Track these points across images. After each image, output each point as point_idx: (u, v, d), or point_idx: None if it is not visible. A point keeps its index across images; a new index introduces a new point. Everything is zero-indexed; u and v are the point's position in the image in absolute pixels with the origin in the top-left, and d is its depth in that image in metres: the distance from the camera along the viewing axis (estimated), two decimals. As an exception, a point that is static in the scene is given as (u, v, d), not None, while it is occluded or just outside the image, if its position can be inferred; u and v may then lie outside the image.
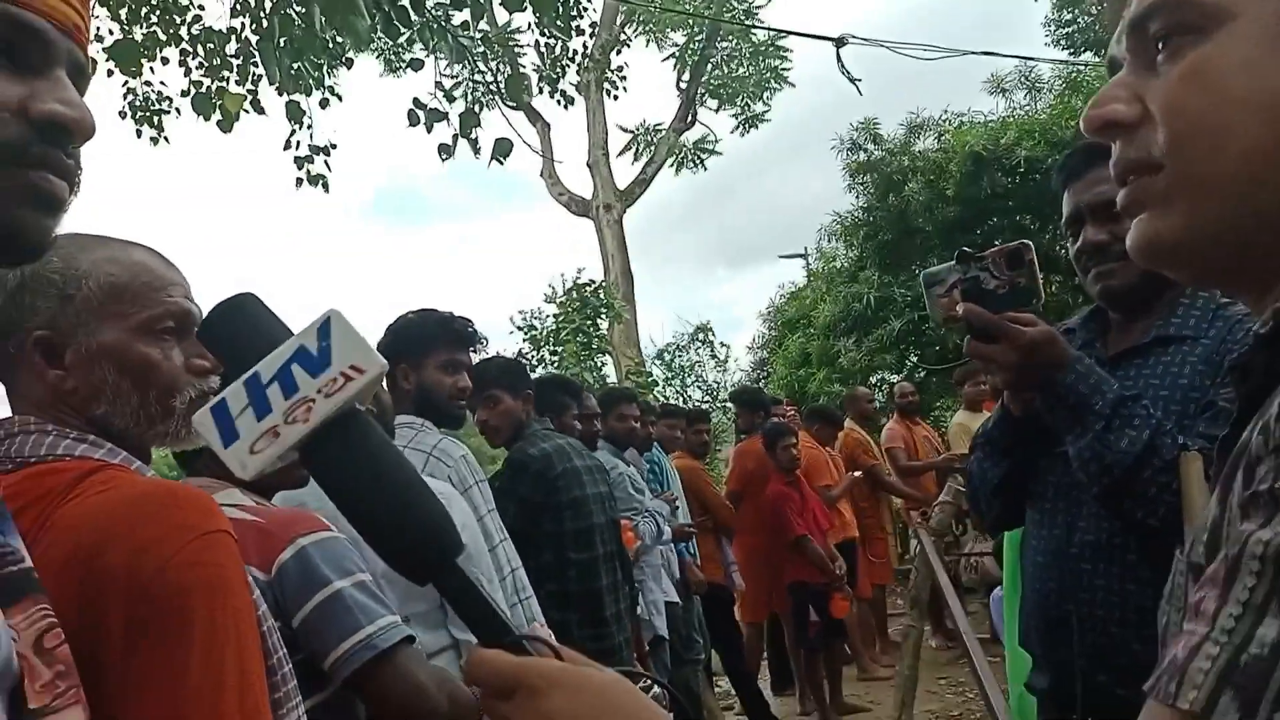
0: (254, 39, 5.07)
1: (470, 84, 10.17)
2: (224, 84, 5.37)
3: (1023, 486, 1.44)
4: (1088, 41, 11.27)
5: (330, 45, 4.99)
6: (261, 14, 4.79)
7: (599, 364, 11.34)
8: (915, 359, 8.97)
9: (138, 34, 5.21)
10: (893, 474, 5.97)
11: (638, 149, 17.17)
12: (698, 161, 17.61)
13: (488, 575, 1.93)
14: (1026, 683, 1.49)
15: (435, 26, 4.77)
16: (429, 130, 4.97)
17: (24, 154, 0.59)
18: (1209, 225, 0.49)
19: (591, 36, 7.19)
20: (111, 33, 5.06)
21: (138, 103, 5.97)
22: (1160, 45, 0.50)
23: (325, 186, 5.77)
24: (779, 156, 38.13)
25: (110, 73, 5.06)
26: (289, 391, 0.57)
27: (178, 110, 5.91)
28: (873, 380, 9.41)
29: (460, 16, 5.19)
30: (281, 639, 0.91)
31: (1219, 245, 0.49)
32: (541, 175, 15.77)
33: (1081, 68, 9.36)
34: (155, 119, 6.02)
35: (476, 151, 5.15)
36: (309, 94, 5.35)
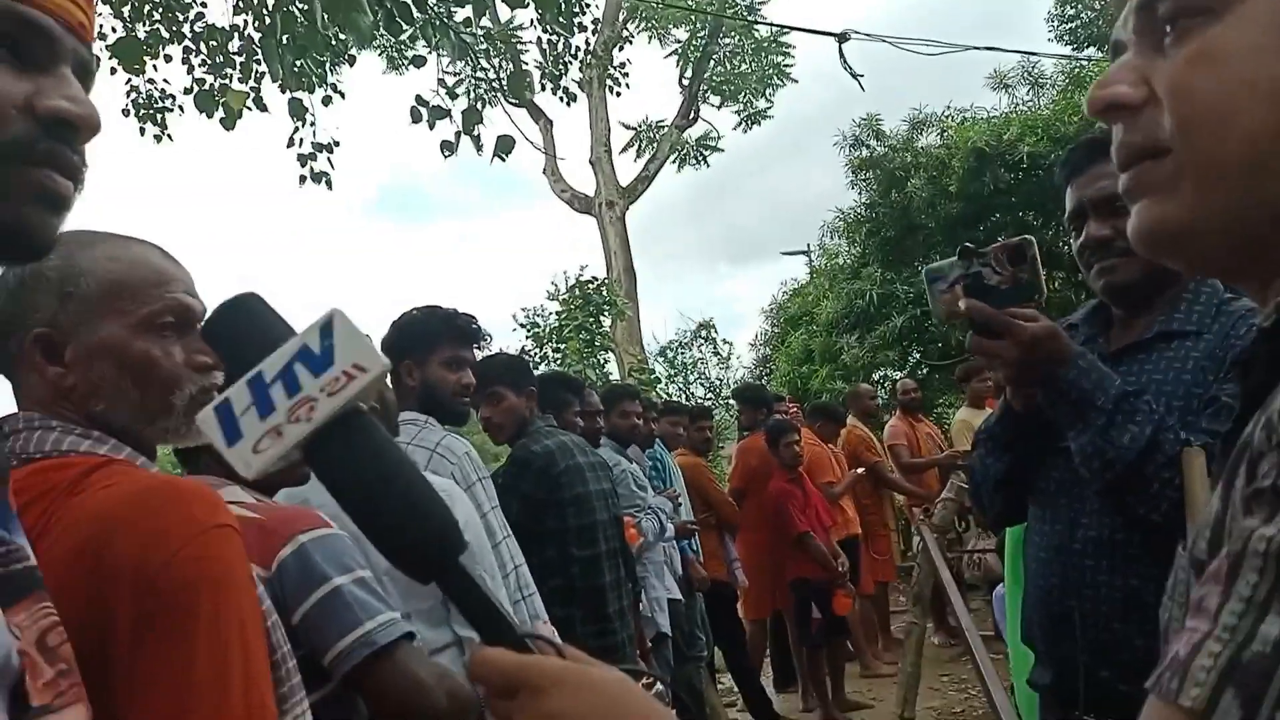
0: (256, 36, 5.07)
1: (473, 81, 10.16)
2: (227, 81, 5.37)
3: (1025, 482, 1.44)
4: (1090, 37, 11.23)
5: (333, 42, 4.99)
6: (264, 11, 4.78)
7: (602, 361, 11.34)
8: (918, 356, 8.96)
9: (140, 31, 5.21)
10: (895, 471, 5.97)
11: (640, 146, 17.17)
12: (700, 158, 17.61)
13: (490, 572, 1.93)
14: (1028, 679, 1.49)
15: (437, 23, 4.76)
16: (431, 127, 4.97)
17: (31, 151, 0.59)
18: (1215, 212, 0.48)
19: (594, 33, 7.19)
20: (114, 30, 5.06)
21: (141, 100, 5.97)
22: (1168, 27, 0.49)
23: (328, 184, 5.78)
24: (781, 153, 38.12)
25: (113, 70, 5.06)
26: (292, 390, 0.58)
27: (180, 108, 5.91)
28: (875, 377, 9.39)
29: (462, 13, 5.19)
30: (285, 635, 0.92)
31: (1224, 233, 0.48)
32: (544, 172, 15.77)
33: (1084, 63, 9.32)
34: (158, 117, 6.02)
35: (479, 148, 5.15)
36: (312, 91, 5.35)
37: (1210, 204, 0.48)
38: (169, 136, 6.12)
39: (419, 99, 4.99)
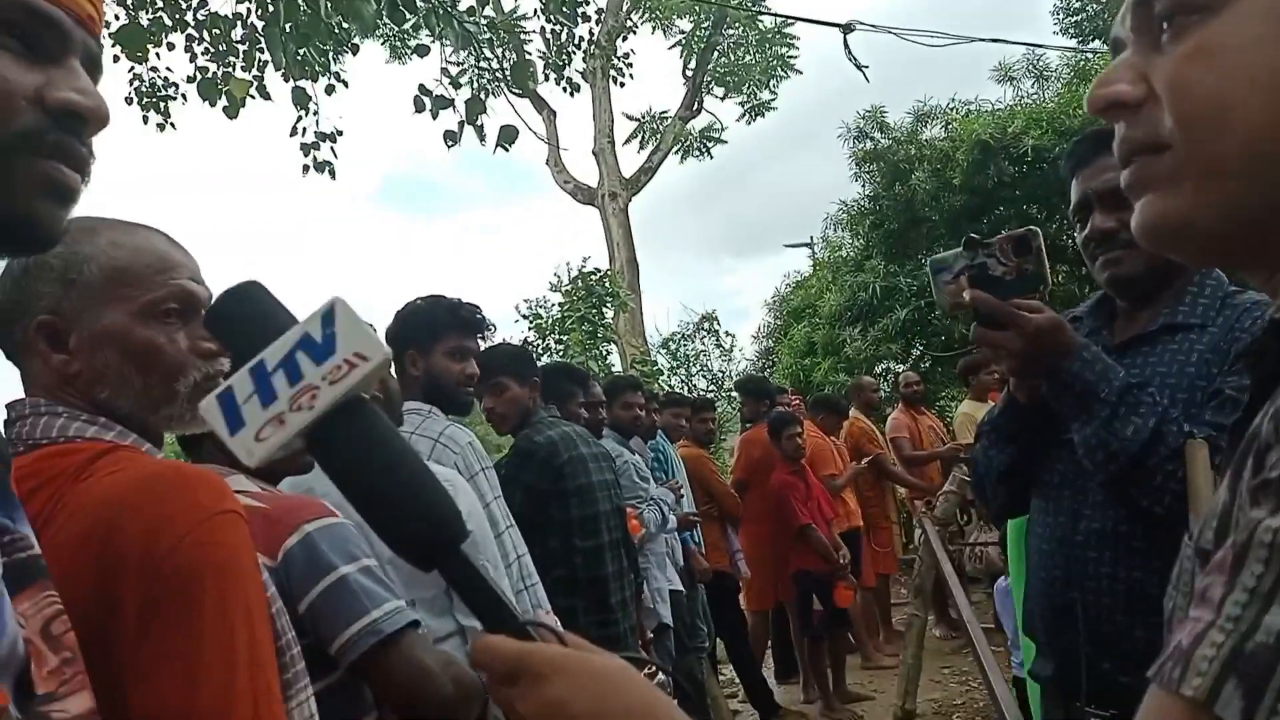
0: (260, 25, 5.06)
1: (476, 71, 10.14)
2: (230, 70, 5.36)
3: (1028, 474, 1.44)
4: (1096, 30, 11.17)
5: (336, 31, 4.98)
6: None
7: (604, 353, 11.33)
8: (920, 348, 8.94)
9: (144, 19, 5.19)
10: (897, 463, 5.97)
11: (643, 137, 17.11)
12: (704, 150, 17.55)
13: (493, 561, 1.93)
14: (1030, 670, 1.49)
15: (441, 12, 4.75)
16: (435, 117, 4.96)
17: (40, 143, 0.59)
18: (1217, 205, 0.48)
19: (597, 23, 7.16)
20: (118, 18, 5.05)
21: (144, 89, 5.97)
22: (1165, 24, 0.50)
23: (332, 173, 5.77)
24: (785, 145, 38.00)
25: (116, 58, 5.05)
26: (294, 379, 0.58)
27: (184, 96, 5.91)
28: (878, 370, 9.39)
29: (466, 2, 5.17)
30: (290, 622, 0.92)
31: (1227, 226, 0.49)
32: (547, 163, 15.74)
33: (1089, 56, 9.28)
34: (161, 105, 6.01)
35: (482, 138, 5.15)
36: (315, 80, 5.34)
37: (1212, 197, 0.48)
38: (172, 125, 6.11)
39: (422, 88, 4.98)
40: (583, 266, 11.45)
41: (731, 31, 16.55)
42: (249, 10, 5.16)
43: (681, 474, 4.62)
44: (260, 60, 5.28)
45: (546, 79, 6.65)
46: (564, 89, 6.71)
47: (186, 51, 5.51)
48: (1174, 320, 1.34)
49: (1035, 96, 9.26)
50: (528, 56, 7.02)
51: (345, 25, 4.79)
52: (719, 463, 6.29)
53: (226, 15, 5.30)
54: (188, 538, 0.76)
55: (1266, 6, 0.46)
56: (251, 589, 0.80)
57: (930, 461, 6.01)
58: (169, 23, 5.36)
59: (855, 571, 5.12)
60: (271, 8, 4.64)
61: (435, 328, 2.24)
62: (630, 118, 17.07)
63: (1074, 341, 1.24)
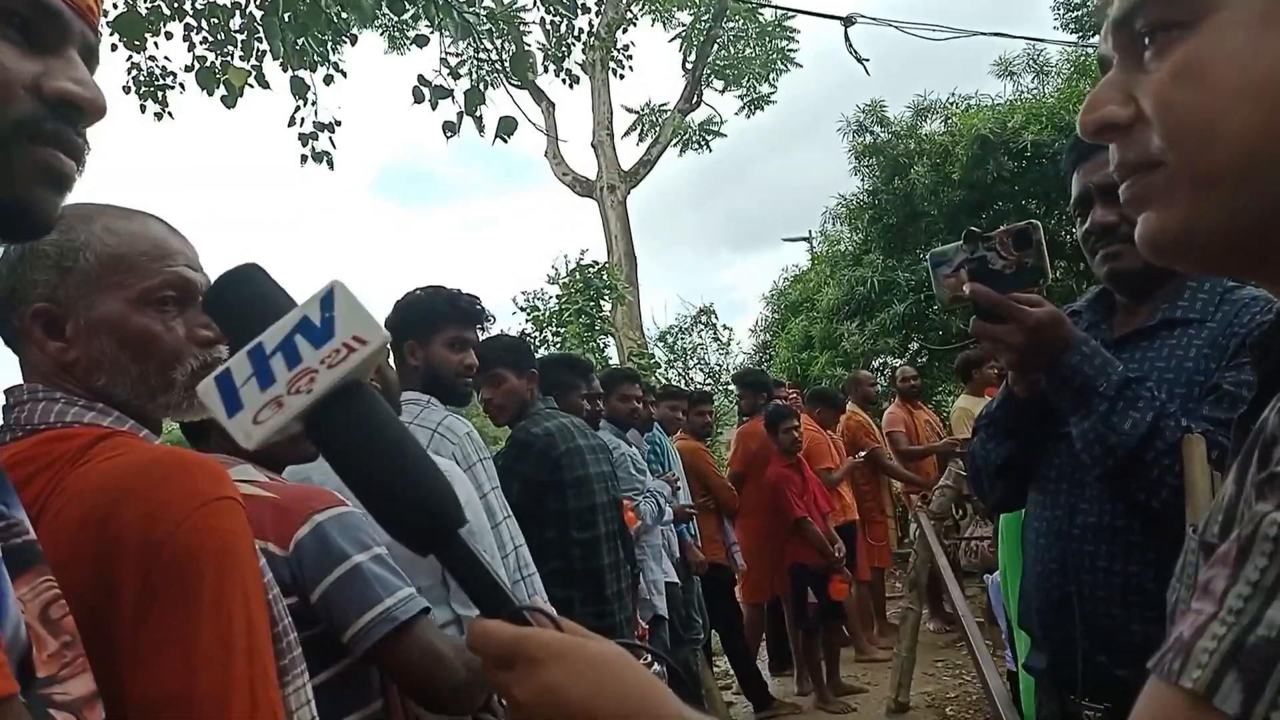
0: (258, 13, 5.03)
1: (475, 61, 10.11)
2: (228, 59, 5.34)
3: (1026, 468, 1.44)
4: (1097, 25, 11.11)
5: (334, 20, 4.96)
6: (265, -12, 4.75)
7: (601, 345, 11.32)
8: (918, 343, 8.95)
9: (142, 8, 5.17)
10: (893, 457, 5.98)
11: (642, 130, 17.08)
12: (703, 143, 17.52)
13: (490, 552, 1.94)
14: (1024, 663, 1.50)
15: (440, 2, 4.73)
16: (434, 107, 4.95)
17: (37, 131, 0.60)
18: (1213, 217, 0.48)
19: (597, 15, 7.12)
20: (116, 6, 5.02)
21: (142, 78, 5.93)
22: (1147, 40, 0.50)
23: (330, 164, 5.75)
24: (784, 138, 37.96)
25: (114, 47, 5.03)
26: (292, 362, 0.58)
27: (182, 85, 5.88)
28: (875, 364, 9.40)
29: (465, -7, 5.15)
30: (286, 608, 0.92)
31: (1225, 234, 0.49)
32: (546, 155, 15.71)
33: (1089, 51, 9.27)
34: (159, 94, 5.98)
35: (481, 129, 5.13)
36: (313, 70, 5.32)
37: (1208, 208, 0.48)
38: (170, 114, 6.08)
39: (421, 79, 4.96)
40: (580, 259, 11.45)
41: (731, 24, 16.51)
42: (247, -1, 5.13)
43: (678, 466, 4.62)
44: (258, 49, 5.25)
45: (546, 70, 6.63)
46: (563, 81, 6.69)
47: (185, 40, 5.48)
48: (1173, 315, 1.34)
49: (1035, 91, 9.26)
50: (527, 48, 6.99)
51: (344, 15, 4.77)
52: (716, 456, 6.30)
53: (225, 4, 5.27)
54: (185, 523, 0.76)
55: (1244, 18, 0.46)
56: (249, 575, 0.80)
57: (926, 456, 6.02)
58: (167, 11, 5.33)
59: (850, 565, 5.14)
60: (270, -4, 4.62)
61: (434, 318, 2.23)
62: (629, 110, 17.06)
63: (1073, 335, 1.24)
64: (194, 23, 5.41)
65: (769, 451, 4.90)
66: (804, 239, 14.73)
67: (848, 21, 6.22)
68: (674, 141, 16.77)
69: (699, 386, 11.64)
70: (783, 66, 17.09)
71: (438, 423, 2.15)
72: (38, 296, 0.89)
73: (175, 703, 0.73)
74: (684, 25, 16.54)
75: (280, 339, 0.58)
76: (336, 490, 1.25)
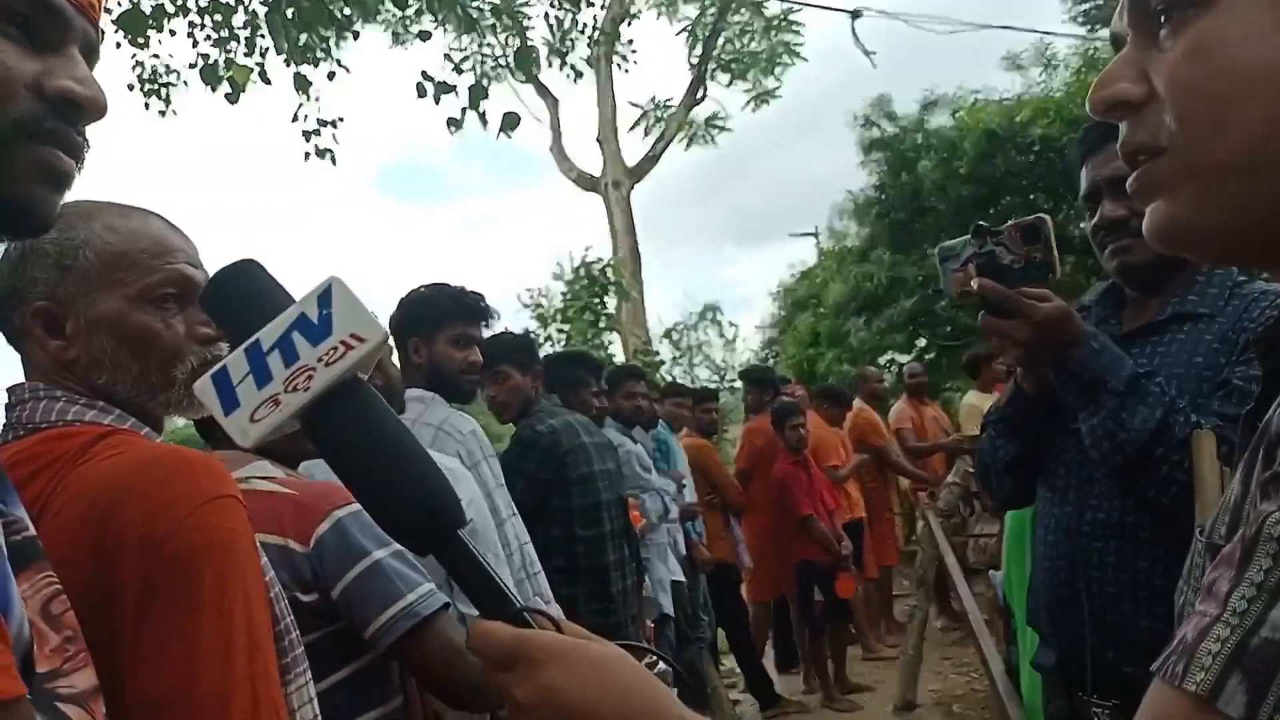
0: (261, 10, 5.03)
1: (479, 56, 10.11)
2: (231, 55, 5.34)
3: (1034, 464, 1.43)
4: (1105, 19, 11.09)
5: (338, 16, 4.95)
6: (269, -15, 4.75)
7: (606, 342, 11.33)
8: (925, 339, 8.94)
9: (146, 4, 5.17)
10: (900, 454, 5.96)
11: (647, 125, 17.04)
12: (708, 138, 17.47)
13: (495, 550, 1.93)
14: (1033, 660, 1.49)
15: (444, -3, 4.72)
16: (437, 102, 4.94)
17: (38, 130, 0.60)
18: (1222, 206, 0.47)
19: (602, 9, 7.11)
20: (120, 3, 5.03)
21: (145, 75, 5.94)
22: (1163, 18, 0.49)
23: (333, 160, 5.75)
24: (791, 133, 37.95)
25: (118, 44, 5.04)
26: (289, 360, 0.57)
27: (185, 82, 5.89)
28: (882, 360, 9.38)
29: (469, -12, 5.14)
30: (289, 606, 0.92)
31: (1232, 226, 0.48)
32: (550, 151, 15.70)
33: (1098, 45, 9.22)
34: (163, 91, 5.99)
35: (485, 124, 5.12)
36: (316, 66, 5.31)
37: (1214, 200, 0.47)
38: (173, 111, 6.09)
39: (425, 74, 4.96)
40: (585, 256, 11.44)
41: (737, 18, 16.46)
42: (251, -5, 5.13)
43: (683, 464, 4.61)
44: (262, 46, 5.26)
45: (550, 65, 6.62)
46: (568, 75, 6.70)
47: (188, 37, 5.48)
48: (1183, 309, 1.33)
49: (1043, 85, 9.23)
50: (531, 43, 6.99)
51: (347, 10, 4.76)
52: (722, 453, 6.30)
53: (228, 1, 5.28)
54: (187, 521, 0.77)
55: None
56: (250, 573, 0.80)
57: (933, 453, 6.00)
58: (170, 8, 5.33)
59: (857, 562, 5.13)
60: (274, -7, 4.62)
61: (439, 315, 2.23)
62: (634, 105, 17.02)
63: (1082, 330, 1.23)
64: (197, 19, 5.42)
65: (775, 448, 4.89)
66: (811, 235, 14.73)
67: (855, 15, 6.20)
68: (679, 137, 16.73)
69: (704, 384, 11.64)
70: (788, 60, 17.03)
71: (442, 420, 2.14)
72: (38, 295, 0.89)
73: (176, 701, 0.73)
74: (689, 19, 16.50)
75: (277, 336, 0.57)
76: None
